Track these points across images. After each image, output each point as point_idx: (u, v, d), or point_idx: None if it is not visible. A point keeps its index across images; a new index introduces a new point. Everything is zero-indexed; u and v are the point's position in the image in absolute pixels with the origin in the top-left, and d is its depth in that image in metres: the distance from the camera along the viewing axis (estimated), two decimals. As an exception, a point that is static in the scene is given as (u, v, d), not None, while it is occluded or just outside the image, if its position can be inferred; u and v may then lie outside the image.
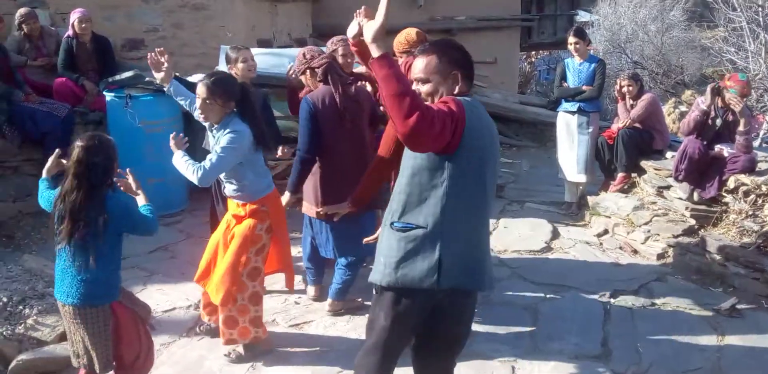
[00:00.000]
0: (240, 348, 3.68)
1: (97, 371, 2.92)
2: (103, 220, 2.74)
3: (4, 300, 3.97)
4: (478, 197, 2.49)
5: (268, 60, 6.23)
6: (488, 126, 2.52)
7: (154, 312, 4.14)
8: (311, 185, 4.02)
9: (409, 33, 4.16)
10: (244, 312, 3.59)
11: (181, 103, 3.87)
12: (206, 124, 3.55)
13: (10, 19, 6.47)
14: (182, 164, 3.37)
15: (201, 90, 3.34)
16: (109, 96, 5.84)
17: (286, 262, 3.87)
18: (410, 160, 2.49)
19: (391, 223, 2.52)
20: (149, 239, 5.29)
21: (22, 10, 6.32)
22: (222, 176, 3.51)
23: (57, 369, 3.56)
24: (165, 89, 3.85)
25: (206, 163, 3.29)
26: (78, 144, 2.79)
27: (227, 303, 3.54)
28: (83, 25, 6.15)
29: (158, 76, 3.83)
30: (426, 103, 2.39)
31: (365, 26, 2.35)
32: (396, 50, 4.23)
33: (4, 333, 3.69)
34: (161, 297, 4.39)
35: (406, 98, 2.22)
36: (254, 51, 6.26)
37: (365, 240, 3.34)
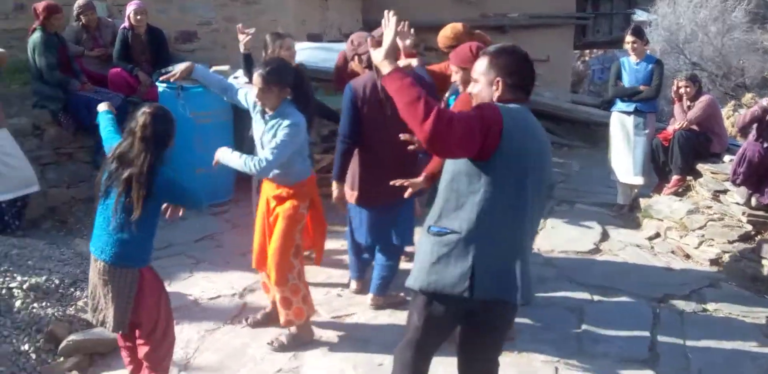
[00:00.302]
0: (283, 337, 3.71)
1: (109, 329, 2.99)
2: (148, 186, 2.81)
3: (57, 282, 4.07)
4: (518, 205, 2.41)
5: (318, 54, 6.25)
6: (533, 133, 2.45)
7: (200, 300, 4.23)
8: (350, 171, 4.01)
9: (455, 26, 4.09)
10: (296, 292, 3.67)
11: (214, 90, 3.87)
12: (255, 110, 3.59)
13: (68, 10, 6.64)
14: (236, 160, 3.43)
15: (257, 80, 3.41)
16: (161, 87, 5.94)
17: (320, 241, 4.03)
18: (450, 165, 2.48)
19: (428, 228, 2.51)
20: (196, 228, 5.45)
21: (80, 2, 6.47)
22: None
23: (105, 351, 3.66)
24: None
25: (267, 156, 3.38)
26: (145, 110, 2.89)
27: (283, 283, 3.61)
28: (138, 17, 6.27)
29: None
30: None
31: (373, 54, 2.42)
32: (442, 45, 4.16)
33: (56, 314, 3.79)
34: (207, 285, 4.44)
35: (419, 104, 2.22)
36: (304, 45, 6.33)
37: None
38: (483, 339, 2.65)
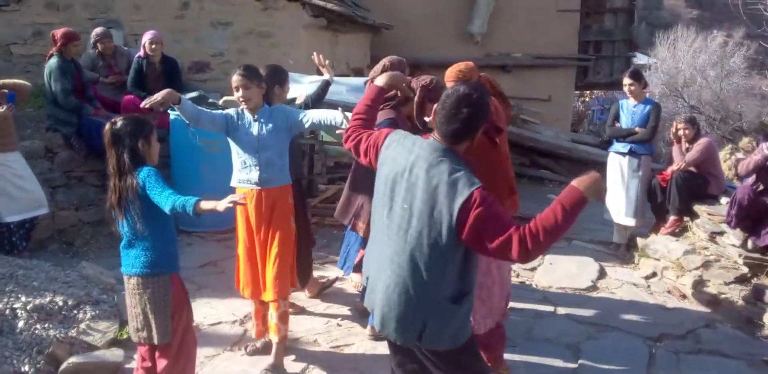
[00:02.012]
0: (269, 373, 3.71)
1: (156, 341, 3.02)
2: (131, 184, 2.89)
3: (60, 304, 4.11)
4: (382, 218, 2.59)
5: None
6: (401, 155, 2.58)
7: (201, 325, 4.27)
8: (362, 206, 4.11)
9: (468, 63, 4.12)
10: (292, 306, 3.89)
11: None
12: (238, 121, 3.74)
13: (85, 37, 6.83)
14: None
15: (238, 80, 3.69)
16: (173, 114, 6.08)
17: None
18: None
19: None
20: (199, 254, 5.51)
21: (98, 30, 6.66)
22: (266, 160, 3.72)
23: (105, 374, 3.68)
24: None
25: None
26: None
27: (285, 296, 3.73)
28: (153, 46, 6.45)
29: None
30: None
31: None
32: (452, 78, 4.24)
33: (58, 335, 3.82)
34: (208, 311, 4.48)
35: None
36: (313, 78, 6.48)
37: None
38: None
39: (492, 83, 4.33)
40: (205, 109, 3.86)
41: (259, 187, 3.72)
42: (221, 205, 2.80)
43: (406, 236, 2.47)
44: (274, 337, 3.76)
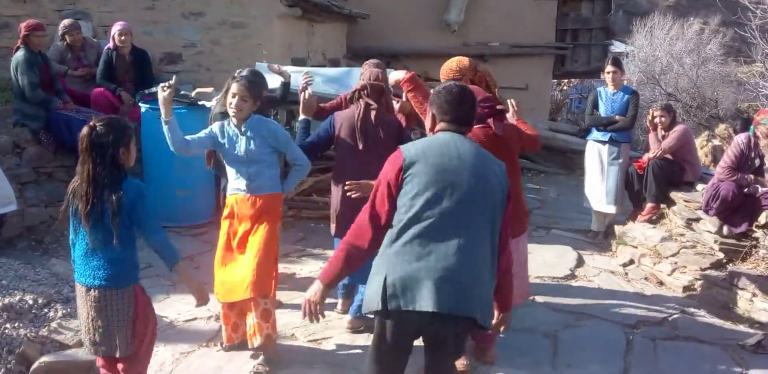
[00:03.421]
0: (261, 366, 3.66)
1: (118, 355, 2.93)
2: (117, 198, 2.76)
3: (30, 302, 4.03)
4: (434, 216, 2.54)
5: (301, 78, 6.33)
6: (449, 155, 2.62)
7: (175, 322, 4.20)
8: (333, 202, 4.19)
9: (462, 61, 4.05)
10: (275, 305, 3.81)
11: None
12: (224, 136, 3.73)
13: (53, 29, 6.68)
14: (295, 178, 3.99)
15: (238, 89, 3.66)
16: (144, 107, 5.97)
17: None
18: None
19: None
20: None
21: (66, 22, 6.52)
22: (256, 172, 3.73)
23: (77, 373, 3.60)
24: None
25: (297, 151, 3.82)
26: (87, 124, 2.85)
27: (266, 295, 3.67)
28: (123, 38, 6.33)
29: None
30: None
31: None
32: (444, 78, 4.15)
33: (28, 335, 3.75)
34: (183, 307, 4.42)
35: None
36: (288, 68, 6.40)
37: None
38: (433, 361, 2.71)
39: (488, 82, 4.16)
40: (192, 137, 3.75)
41: (250, 194, 3.76)
42: (194, 289, 3.12)
43: (478, 218, 2.58)
44: (256, 340, 3.64)
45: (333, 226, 4.17)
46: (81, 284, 2.91)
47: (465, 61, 3.98)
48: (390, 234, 2.59)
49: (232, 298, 3.75)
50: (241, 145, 3.69)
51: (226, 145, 3.73)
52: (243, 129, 3.69)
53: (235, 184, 3.80)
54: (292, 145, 3.85)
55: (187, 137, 3.74)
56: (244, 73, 3.75)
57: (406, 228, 2.55)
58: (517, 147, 3.80)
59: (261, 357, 3.70)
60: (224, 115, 3.96)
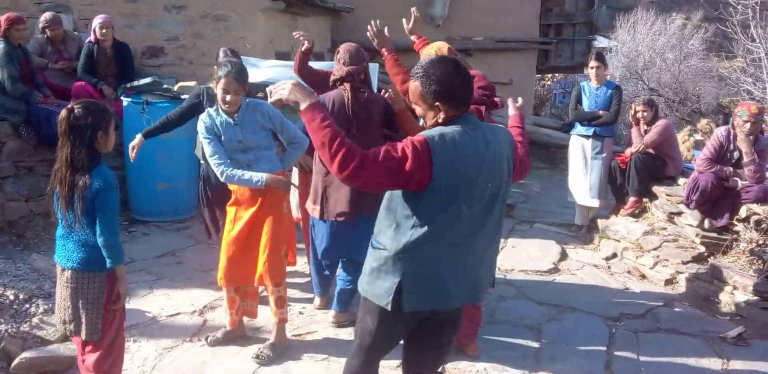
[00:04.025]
0: (266, 350, 3.74)
1: (83, 337, 2.92)
2: (83, 183, 2.75)
3: (11, 298, 3.99)
4: (455, 226, 2.41)
5: (285, 72, 6.29)
6: (471, 155, 2.38)
7: (158, 317, 4.18)
8: (312, 185, 4.08)
9: (440, 48, 4.06)
10: (286, 290, 3.83)
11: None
12: (218, 122, 3.68)
13: (32, 22, 6.58)
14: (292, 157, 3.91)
15: (230, 84, 3.57)
16: (126, 101, 5.92)
17: (291, 242, 3.97)
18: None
19: (372, 239, 2.60)
20: (157, 244, 5.41)
21: (47, 15, 6.42)
22: (254, 157, 3.71)
23: (60, 369, 3.58)
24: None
25: (299, 136, 3.74)
26: (65, 107, 2.84)
27: (280, 282, 3.73)
28: (104, 31, 6.25)
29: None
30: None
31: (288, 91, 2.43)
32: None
33: (9, 330, 3.71)
34: (166, 302, 4.39)
35: (330, 149, 2.30)
36: (271, 62, 6.36)
37: None
38: (422, 352, 2.72)
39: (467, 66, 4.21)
40: (222, 155, 3.64)
41: None
42: (123, 290, 2.94)
43: (493, 206, 2.49)
44: (273, 318, 3.84)
45: (316, 208, 4.02)
46: (57, 263, 2.94)
47: (444, 48, 3.92)
48: (404, 233, 2.43)
49: (240, 283, 3.79)
50: (236, 134, 3.65)
51: (222, 136, 3.68)
52: (236, 119, 3.64)
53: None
54: (287, 124, 3.77)
55: (219, 158, 3.63)
56: (229, 67, 3.63)
57: (422, 236, 2.40)
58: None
59: (267, 342, 3.79)
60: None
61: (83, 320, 2.89)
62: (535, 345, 4.08)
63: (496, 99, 3.67)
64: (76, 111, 2.79)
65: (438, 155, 2.32)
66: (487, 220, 2.50)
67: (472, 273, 2.54)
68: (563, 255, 5.74)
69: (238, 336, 3.95)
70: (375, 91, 4.36)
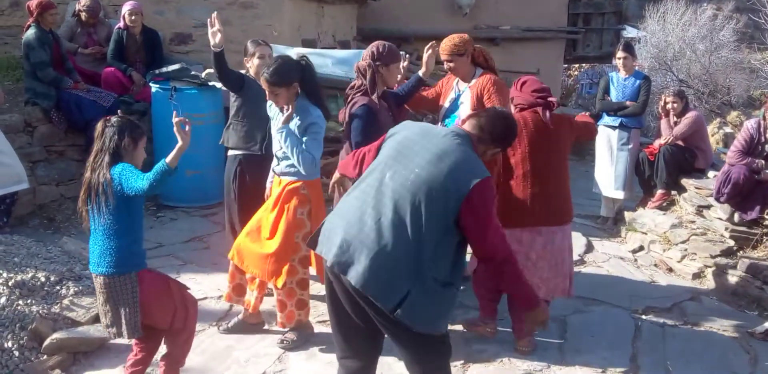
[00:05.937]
0: (290, 335, 3.78)
1: (125, 337, 3.02)
2: (104, 180, 2.85)
3: (42, 280, 4.06)
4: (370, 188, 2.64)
5: (312, 60, 6.29)
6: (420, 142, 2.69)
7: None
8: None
9: (462, 35, 4.23)
10: (291, 296, 3.74)
11: None
12: (271, 109, 3.78)
13: (62, 8, 6.62)
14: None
15: (264, 85, 3.57)
16: (154, 87, 5.96)
17: None
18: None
19: None
20: (185, 229, 5.46)
21: (86, 1, 6.43)
22: (281, 152, 3.70)
23: (89, 350, 3.66)
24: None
25: (306, 157, 3.59)
26: (101, 122, 2.99)
27: (280, 286, 3.68)
28: (133, 18, 6.29)
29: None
30: None
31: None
32: (448, 52, 4.19)
33: (41, 311, 3.78)
34: (193, 286, 4.39)
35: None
36: (298, 50, 6.35)
37: None
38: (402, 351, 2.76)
39: (485, 56, 4.32)
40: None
41: (277, 175, 3.83)
42: (181, 139, 2.92)
43: (413, 198, 2.54)
44: (281, 318, 3.83)
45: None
46: (90, 271, 3.04)
47: (465, 36, 4.19)
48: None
49: (242, 266, 3.80)
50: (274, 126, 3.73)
51: (272, 118, 3.80)
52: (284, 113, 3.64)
53: (272, 164, 3.88)
54: (312, 138, 3.64)
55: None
56: (264, 68, 3.63)
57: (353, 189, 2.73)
58: (568, 136, 3.82)
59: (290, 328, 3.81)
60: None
61: (123, 321, 2.97)
62: (560, 337, 4.06)
63: (551, 99, 3.69)
64: (112, 119, 2.97)
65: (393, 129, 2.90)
66: (402, 201, 2.57)
67: (352, 235, 2.58)
68: (589, 247, 5.70)
69: (254, 324, 3.96)
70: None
